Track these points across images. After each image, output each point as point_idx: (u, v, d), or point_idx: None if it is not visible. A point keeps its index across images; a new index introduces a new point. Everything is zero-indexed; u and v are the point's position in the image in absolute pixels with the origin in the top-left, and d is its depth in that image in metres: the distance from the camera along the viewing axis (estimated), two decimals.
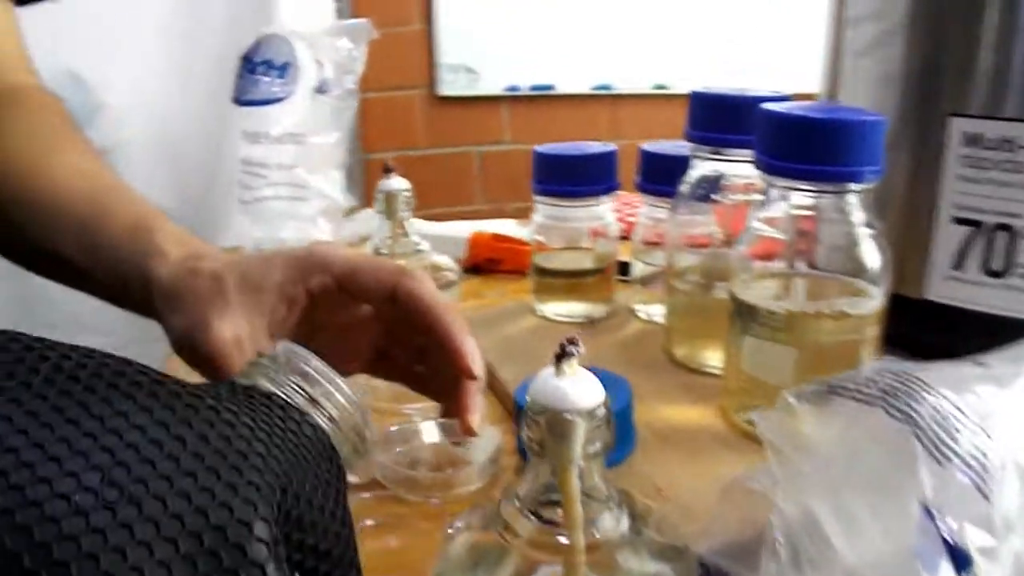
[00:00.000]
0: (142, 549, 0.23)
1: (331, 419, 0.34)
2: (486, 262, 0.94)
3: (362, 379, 0.64)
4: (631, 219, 0.98)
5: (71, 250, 0.56)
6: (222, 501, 0.25)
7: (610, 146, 0.75)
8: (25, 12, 0.72)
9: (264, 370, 0.34)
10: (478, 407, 0.46)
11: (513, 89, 2.18)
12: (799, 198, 0.52)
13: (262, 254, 0.49)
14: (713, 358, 0.65)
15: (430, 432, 0.59)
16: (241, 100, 0.78)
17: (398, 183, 0.71)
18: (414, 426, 0.59)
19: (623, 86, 2.21)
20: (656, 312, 0.75)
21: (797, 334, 0.52)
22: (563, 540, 0.34)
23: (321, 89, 0.78)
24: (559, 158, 0.72)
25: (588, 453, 0.33)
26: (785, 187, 0.52)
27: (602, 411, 0.33)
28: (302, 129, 0.78)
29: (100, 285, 0.56)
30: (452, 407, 0.46)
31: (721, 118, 0.60)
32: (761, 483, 0.39)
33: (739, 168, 0.62)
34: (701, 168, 0.64)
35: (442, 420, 0.56)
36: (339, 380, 0.34)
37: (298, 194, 0.78)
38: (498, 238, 0.94)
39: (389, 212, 0.72)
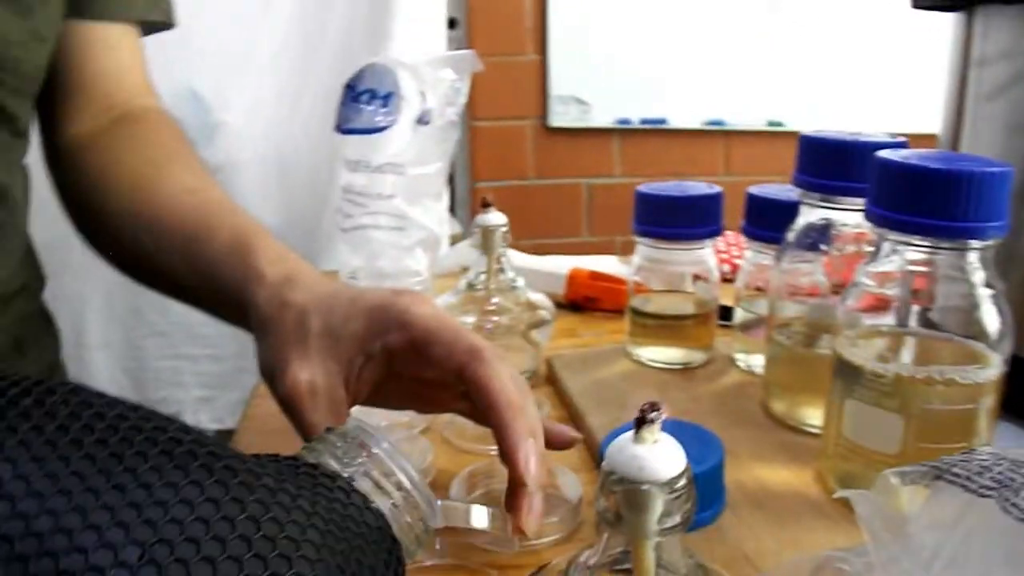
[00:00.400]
0: None
1: (395, 506, 0.33)
2: (584, 300, 0.92)
3: (446, 416, 0.63)
4: (737, 260, 0.95)
5: (176, 264, 0.58)
6: None
7: (715, 188, 0.72)
8: (151, 35, 0.75)
9: (332, 448, 0.33)
10: (534, 510, 0.44)
11: (624, 122, 2.16)
12: (914, 253, 0.49)
13: (350, 295, 0.49)
14: (813, 416, 0.62)
15: None
16: (344, 128, 0.78)
17: (496, 218, 0.70)
18: (494, 467, 0.57)
19: (736, 122, 2.16)
20: (756, 363, 0.72)
21: (904, 400, 0.48)
22: None
23: (423, 120, 0.78)
24: (661, 199, 0.70)
25: (665, 527, 0.31)
26: (898, 241, 0.49)
27: (682, 483, 0.30)
28: (403, 159, 0.77)
29: (205, 301, 0.59)
30: (509, 499, 0.44)
31: (832, 164, 0.57)
32: (854, 566, 0.36)
33: (850, 217, 0.59)
34: (809, 215, 0.61)
35: None
36: (408, 466, 0.33)
37: (397, 224, 0.78)
38: (596, 276, 0.92)
39: (486, 247, 0.71)
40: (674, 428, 0.36)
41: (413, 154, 0.78)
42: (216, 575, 0.23)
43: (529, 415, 0.44)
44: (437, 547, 0.48)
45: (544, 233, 2.06)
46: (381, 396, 0.50)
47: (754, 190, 0.72)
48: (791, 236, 0.62)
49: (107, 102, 0.70)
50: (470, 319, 0.69)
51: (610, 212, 2.19)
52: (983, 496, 0.30)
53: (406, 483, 0.33)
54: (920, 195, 0.46)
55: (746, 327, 0.75)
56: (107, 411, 0.26)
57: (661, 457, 0.30)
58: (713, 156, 2.19)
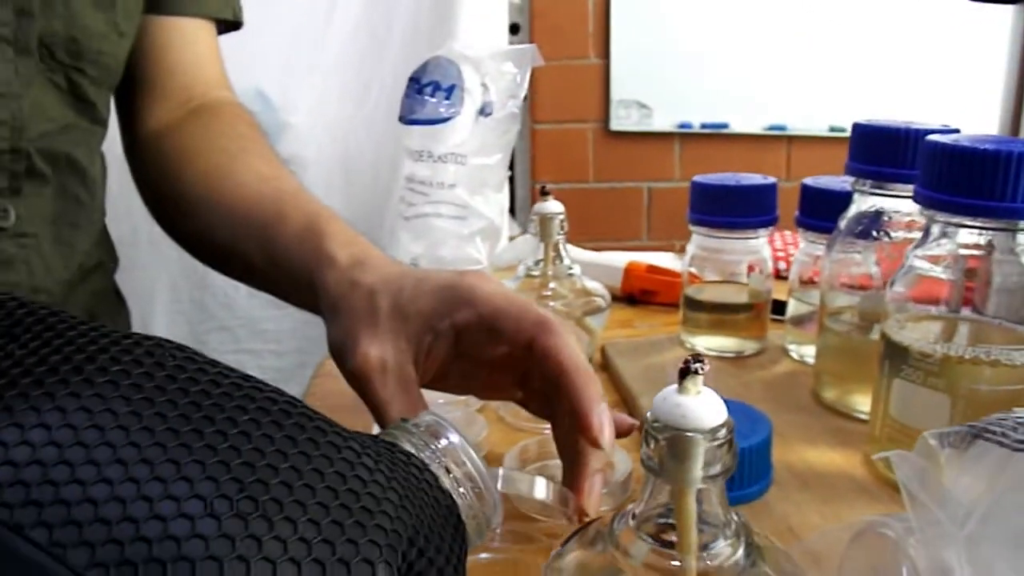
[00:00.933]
0: (267, 565, 0.23)
1: (463, 494, 0.34)
2: (640, 293, 0.93)
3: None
4: (792, 257, 0.96)
5: (250, 250, 0.60)
6: (350, 538, 0.25)
7: (771, 179, 0.73)
8: (221, 36, 0.78)
9: (407, 434, 0.34)
10: (596, 491, 0.45)
11: (685, 127, 2.17)
12: (966, 235, 0.50)
13: (417, 275, 0.50)
14: (863, 403, 0.63)
15: None
16: (407, 119, 0.80)
17: (553, 206, 0.72)
18: (546, 446, 0.58)
19: (798, 127, 2.16)
20: (809, 353, 0.73)
21: (951, 380, 0.49)
22: (676, 564, 0.33)
23: (485, 111, 0.80)
24: (717, 187, 0.71)
25: (708, 475, 0.32)
26: (948, 223, 0.49)
27: (724, 432, 0.32)
28: (465, 150, 0.79)
29: (276, 285, 0.60)
30: (570, 478, 0.46)
31: (884, 151, 0.58)
32: (894, 530, 0.37)
33: (902, 204, 0.59)
34: (861, 203, 0.62)
35: None
36: (478, 460, 0.35)
37: (458, 213, 0.80)
38: (653, 269, 0.94)
39: (543, 235, 0.72)
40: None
41: (475, 145, 0.80)
42: (305, 515, 0.25)
43: (598, 385, 0.45)
44: (495, 541, 0.49)
45: (603, 236, 2.07)
46: (444, 379, 0.51)
47: (808, 181, 0.73)
48: (843, 224, 0.63)
49: (185, 94, 0.73)
50: None
51: (670, 216, 2.19)
52: (1018, 450, 0.31)
53: (475, 475, 0.34)
54: (970, 176, 0.47)
55: (799, 321, 0.75)
56: (200, 376, 0.28)
57: (704, 407, 0.32)
58: (774, 161, 2.18)
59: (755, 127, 2.17)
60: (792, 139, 2.17)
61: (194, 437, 0.25)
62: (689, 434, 0.31)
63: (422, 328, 0.47)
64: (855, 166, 0.60)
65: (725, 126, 2.17)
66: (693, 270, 0.76)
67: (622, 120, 2.16)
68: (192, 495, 0.24)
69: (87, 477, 0.23)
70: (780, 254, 1.02)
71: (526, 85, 0.81)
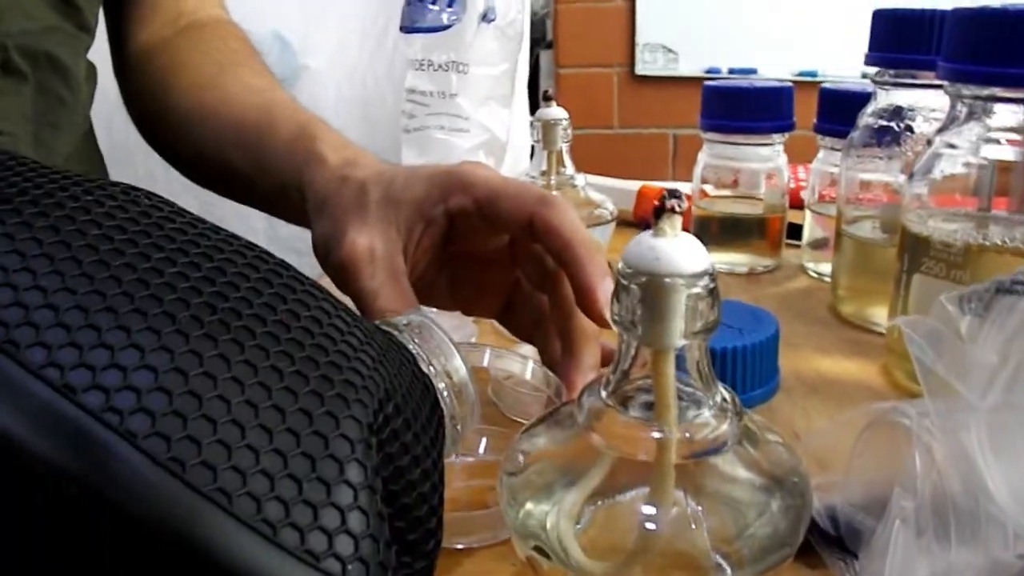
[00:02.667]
0: (222, 405, 0.21)
1: (445, 390, 0.31)
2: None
3: None
4: (803, 184, 0.91)
5: (239, 161, 0.58)
6: (315, 389, 0.23)
7: (787, 84, 0.68)
8: None
9: (393, 327, 0.31)
10: (587, 371, 0.42)
11: (713, 72, 2.11)
12: (1005, 115, 0.45)
13: (411, 168, 0.47)
14: (883, 316, 0.59)
15: None
16: (408, 28, 0.76)
17: (556, 112, 0.68)
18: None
19: (829, 73, 2.09)
20: (827, 270, 0.68)
21: (974, 271, 0.45)
22: (654, 436, 0.29)
23: (487, 18, 0.76)
24: (732, 89, 0.67)
25: (689, 331, 0.28)
26: (977, 98, 0.45)
27: (707, 281, 0.28)
28: (467, 58, 0.75)
29: (265, 196, 0.58)
30: (563, 371, 0.43)
31: (908, 36, 0.53)
32: (908, 416, 0.33)
33: (928, 98, 0.55)
34: (883, 99, 0.57)
35: None
36: (463, 362, 0.32)
37: (460, 126, 0.76)
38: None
39: (546, 142, 0.69)
40: (727, 307, 0.33)
41: (478, 53, 0.76)
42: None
43: (604, 258, 0.42)
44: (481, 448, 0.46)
45: None
46: (432, 288, 0.48)
47: (827, 86, 0.68)
48: (861, 121, 0.59)
49: (175, 11, 0.71)
50: None
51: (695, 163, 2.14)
52: None
53: (458, 375, 0.32)
54: (1007, 39, 0.42)
55: (816, 245, 0.71)
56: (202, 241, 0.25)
57: (683, 250, 0.28)
58: (804, 108, 2.11)
59: (785, 73, 2.10)
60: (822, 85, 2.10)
61: (153, 275, 0.23)
62: (667, 280, 0.27)
63: (413, 215, 0.44)
64: (876, 56, 0.56)
65: (754, 71, 2.11)
66: (706, 187, 0.72)
67: (648, 65, 2.10)
68: (142, 328, 0.21)
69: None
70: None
71: None
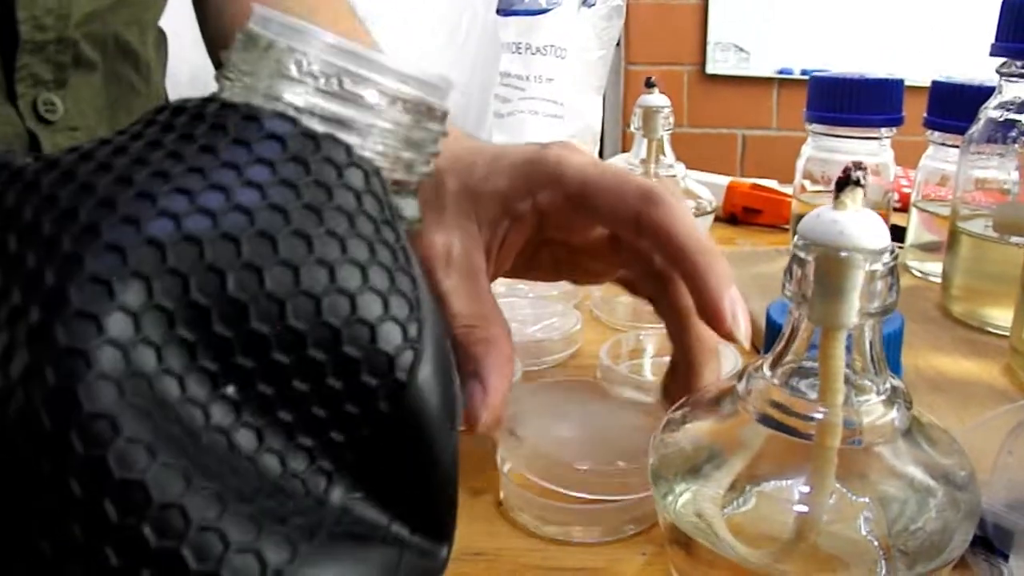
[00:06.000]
0: None
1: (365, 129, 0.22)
2: (743, 212, 0.87)
3: (597, 294, 0.60)
4: (907, 190, 0.89)
5: None
6: None
7: (897, 77, 0.67)
8: None
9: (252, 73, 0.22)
10: (707, 383, 0.38)
11: (785, 72, 2.08)
12: None
13: (493, 151, 0.42)
14: (999, 317, 0.57)
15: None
16: (505, 11, 0.76)
17: (658, 99, 0.67)
18: (640, 341, 0.54)
19: (903, 76, 2.04)
20: (933, 271, 0.66)
21: None
22: (818, 417, 0.28)
23: (587, 2, 0.75)
24: (839, 80, 0.66)
25: (864, 311, 0.27)
26: None
27: (888, 258, 0.27)
28: (565, 43, 0.74)
29: None
30: (681, 380, 0.39)
31: None
32: None
33: None
34: (1008, 92, 0.55)
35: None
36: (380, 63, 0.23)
37: (554, 111, 0.75)
38: (758, 187, 0.88)
39: (647, 129, 0.67)
40: None
41: (576, 38, 0.75)
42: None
43: (726, 264, 0.38)
44: None
45: None
46: (531, 266, 0.44)
47: (939, 79, 0.66)
48: (982, 115, 0.57)
49: None
50: None
51: (765, 165, 2.10)
52: None
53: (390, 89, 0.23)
54: None
55: (923, 247, 0.69)
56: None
57: (865, 225, 0.26)
58: None
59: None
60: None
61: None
62: (847, 254, 0.26)
63: (497, 211, 0.40)
64: (1002, 46, 0.54)
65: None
66: (806, 183, 0.70)
67: (719, 64, 2.08)
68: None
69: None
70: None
71: None
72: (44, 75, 0.54)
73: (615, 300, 0.59)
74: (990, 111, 0.56)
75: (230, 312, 0.18)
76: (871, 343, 0.28)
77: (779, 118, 2.11)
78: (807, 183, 0.71)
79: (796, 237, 0.27)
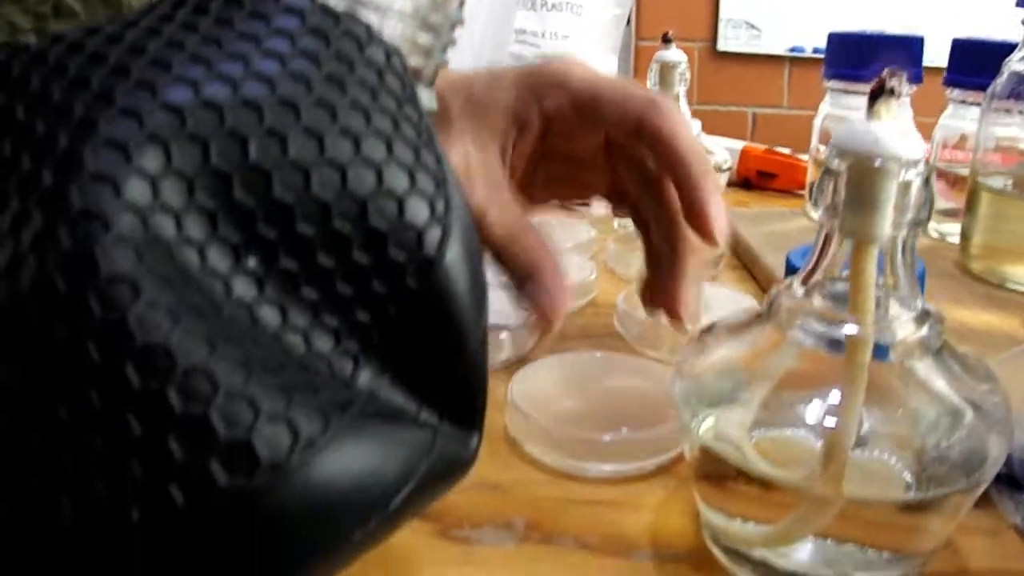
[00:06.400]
0: None
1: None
2: (756, 176, 0.86)
3: (612, 246, 0.60)
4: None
5: None
6: None
7: (917, 35, 0.66)
8: None
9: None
10: (691, 282, 0.39)
11: (796, 50, 2.06)
12: None
13: (491, 71, 0.42)
14: (1018, 274, 0.56)
15: None
16: None
17: (675, 54, 0.66)
18: None
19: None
20: (949, 230, 0.66)
21: None
22: (849, 333, 0.27)
23: None
24: (857, 36, 0.65)
25: (897, 223, 0.26)
26: None
27: (922, 168, 0.26)
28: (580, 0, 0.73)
29: None
30: (666, 284, 0.40)
31: None
32: None
33: None
34: None
35: None
36: None
37: None
38: (772, 152, 0.87)
39: (663, 84, 0.67)
40: None
41: None
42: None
43: (715, 175, 0.39)
44: None
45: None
46: (525, 186, 0.43)
47: (960, 37, 0.65)
48: (1005, 70, 0.56)
49: None
50: None
51: (775, 144, 2.10)
52: None
53: None
54: None
55: (940, 212, 0.68)
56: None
57: (899, 134, 0.26)
58: None
59: None
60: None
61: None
62: (881, 163, 0.25)
63: (506, 121, 0.40)
64: None
65: None
66: (822, 148, 0.69)
67: (730, 40, 2.07)
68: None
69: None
70: None
71: None
72: (23, 24, 0.53)
73: (630, 254, 0.58)
74: (1014, 63, 0.56)
75: (252, 180, 0.18)
76: (903, 258, 0.28)
77: (790, 96, 2.09)
78: (823, 148, 0.70)
79: (829, 147, 0.27)
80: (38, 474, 0.16)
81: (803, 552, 0.28)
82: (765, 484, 0.28)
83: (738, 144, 0.88)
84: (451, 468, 0.20)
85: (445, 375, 0.20)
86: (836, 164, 0.26)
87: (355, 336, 0.19)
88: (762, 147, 0.88)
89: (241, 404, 0.16)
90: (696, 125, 0.67)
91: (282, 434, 0.16)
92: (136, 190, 0.17)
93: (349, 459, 0.17)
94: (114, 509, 0.16)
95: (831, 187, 0.26)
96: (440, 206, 0.19)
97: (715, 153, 0.67)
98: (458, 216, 0.20)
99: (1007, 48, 0.58)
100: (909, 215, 0.26)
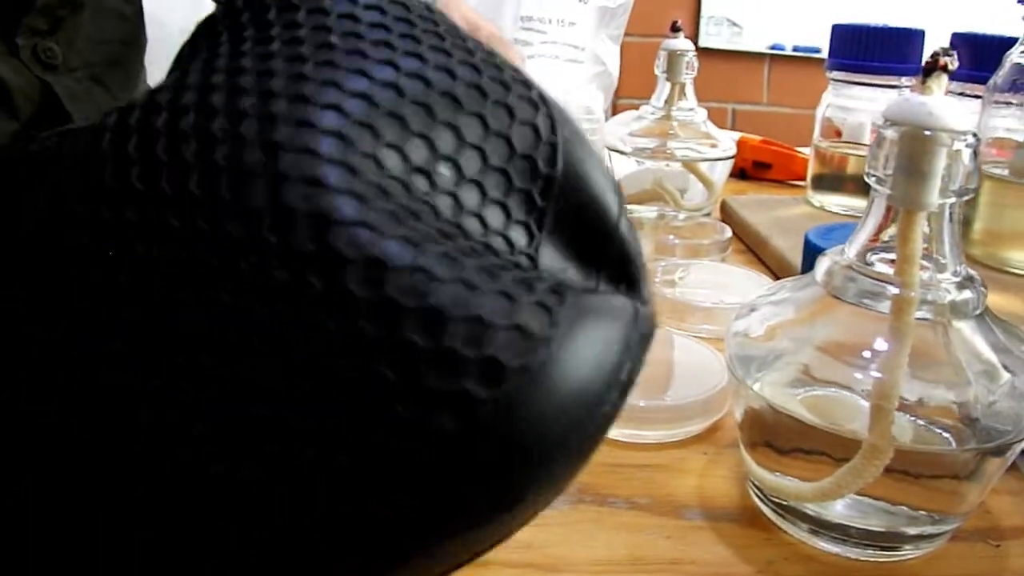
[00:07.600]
0: None
1: None
2: (753, 167, 0.88)
3: None
4: None
5: None
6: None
7: (919, 27, 0.68)
8: None
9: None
10: None
11: (777, 48, 2.09)
12: None
13: None
14: (1019, 258, 0.58)
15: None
16: None
17: (682, 43, 0.68)
18: None
19: None
20: None
21: None
22: (895, 294, 0.29)
23: None
24: (859, 28, 0.66)
25: (945, 192, 0.28)
26: None
27: (972, 140, 0.27)
28: None
29: None
30: None
31: None
32: None
33: None
34: None
35: None
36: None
37: (574, 56, 0.75)
38: (768, 142, 0.89)
39: (670, 73, 0.68)
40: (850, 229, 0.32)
41: None
42: None
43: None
44: None
45: None
46: None
47: (959, 31, 0.67)
48: (1006, 62, 0.58)
49: None
50: (647, 142, 0.66)
51: None
52: None
53: None
54: None
55: None
56: None
57: (951, 108, 0.27)
58: None
59: None
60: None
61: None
62: (932, 133, 0.27)
63: None
64: None
65: (818, 50, 2.09)
66: (828, 117, 0.71)
67: (712, 37, 2.09)
68: None
69: None
70: None
71: None
72: (40, 26, 0.54)
73: (640, 237, 0.60)
74: (1015, 56, 0.57)
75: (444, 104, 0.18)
76: (949, 226, 0.29)
77: (770, 93, 2.11)
78: (823, 141, 0.72)
79: (884, 114, 0.28)
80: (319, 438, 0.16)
81: (851, 506, 0.30)
82: (815, 440, 0.29)
83: (734, 135, 0.89)
84: (651, 333, 0.19)
85: (604, 247, 0.20)
86: (889, 134, 0.28)
87: (526, 223, 0.19)
88: (758, 138, 0.89)
89: (475, 323, 0.16)
90: (701, 112, 0.69)
91: (516, 338, 0.16)
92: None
93: (580, 344, 0.16)
94: (388, 451, 0.16)
95: (882, 157, 0.28)
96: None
97: (721, 141, 0.69)
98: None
99: (1008, 42, 0.60)
100: (957, 184, 0.28)
